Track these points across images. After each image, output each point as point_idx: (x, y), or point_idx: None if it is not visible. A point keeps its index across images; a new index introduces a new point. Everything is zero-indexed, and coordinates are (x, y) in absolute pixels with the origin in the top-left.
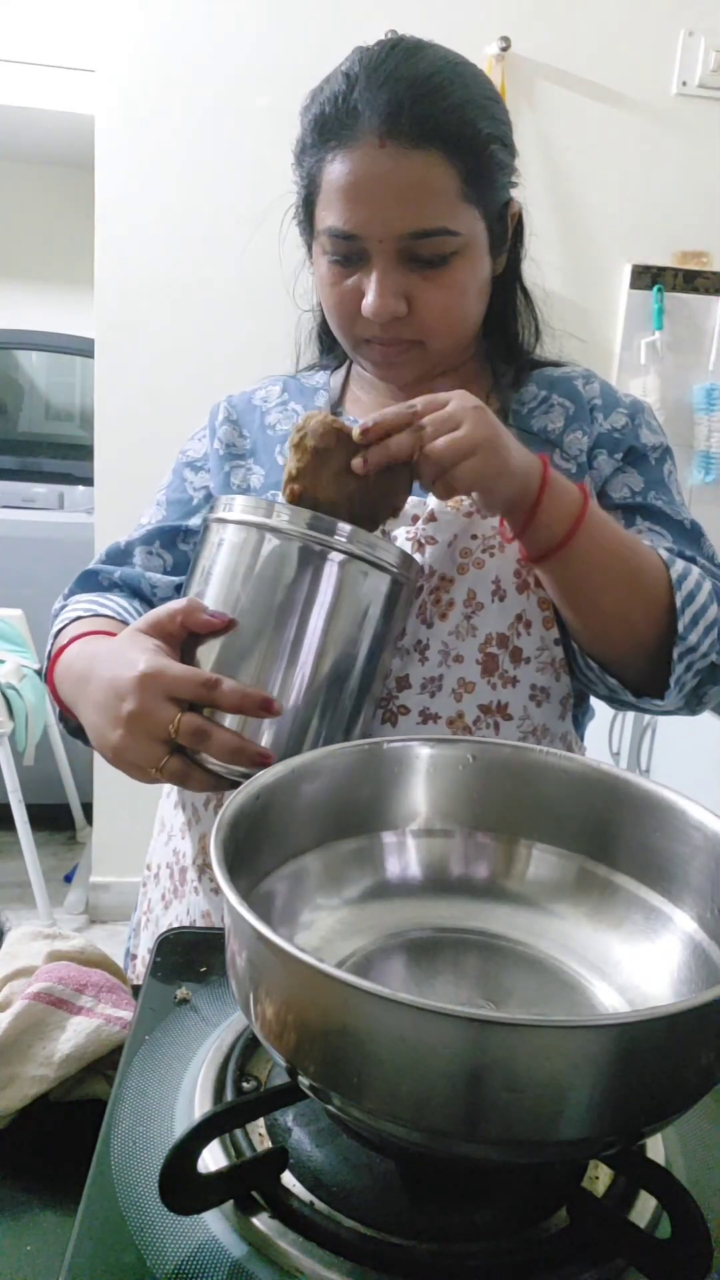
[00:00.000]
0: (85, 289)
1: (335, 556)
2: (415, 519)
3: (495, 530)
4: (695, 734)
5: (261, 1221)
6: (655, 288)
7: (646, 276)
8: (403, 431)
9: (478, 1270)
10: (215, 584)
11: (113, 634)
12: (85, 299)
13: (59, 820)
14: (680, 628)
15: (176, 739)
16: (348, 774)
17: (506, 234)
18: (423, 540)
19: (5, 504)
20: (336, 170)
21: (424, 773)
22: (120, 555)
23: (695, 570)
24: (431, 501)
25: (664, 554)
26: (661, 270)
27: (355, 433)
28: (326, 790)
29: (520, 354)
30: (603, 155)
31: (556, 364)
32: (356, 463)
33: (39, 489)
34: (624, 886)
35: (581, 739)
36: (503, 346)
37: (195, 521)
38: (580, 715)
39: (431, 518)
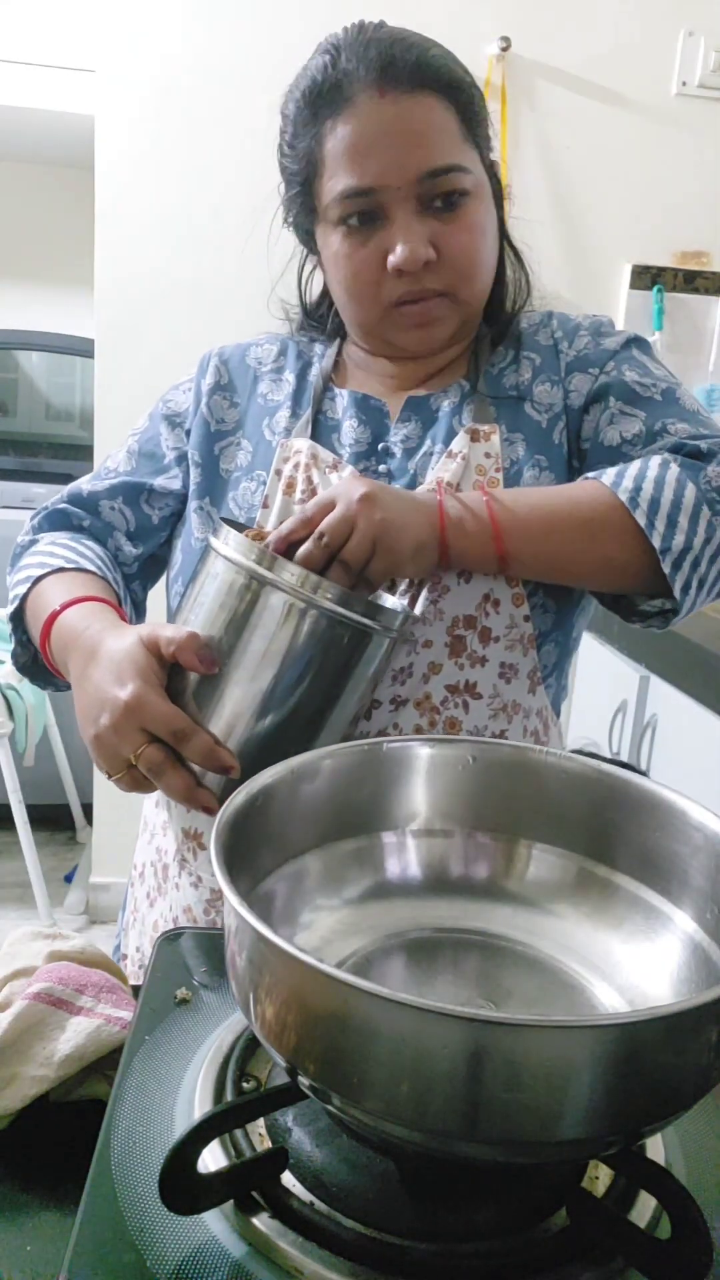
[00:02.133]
0: (85, 289)
1: (320, 615)
2: None
3: None
4: (695, 734)
5: (261, 1221)
6: (655, 288)
7: (646, 276)
8: (308, 541)
9: (478, 1270)
10: (203, 618)
11: (105, 600)
12: (85, 299)
13: (59, 820)
14: (657, 541)
15: (135, 764)
16: (348, 774)
17: (500, 188)
18: None
19: (5, 504)
20: (340, 134)
21: (424, 773)
22: (85, 502)
23: (651, 466)
24: None
25: (606, 478)
26: (661, 270)
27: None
28: (326, 790)
29: (503, 315)
30: (603, 155)
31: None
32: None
33: (39, 489)
34: (624, 886)
35: (558, 714)
36: (490, 314)
37: (162, 483)
38: (555, 690)
39: None
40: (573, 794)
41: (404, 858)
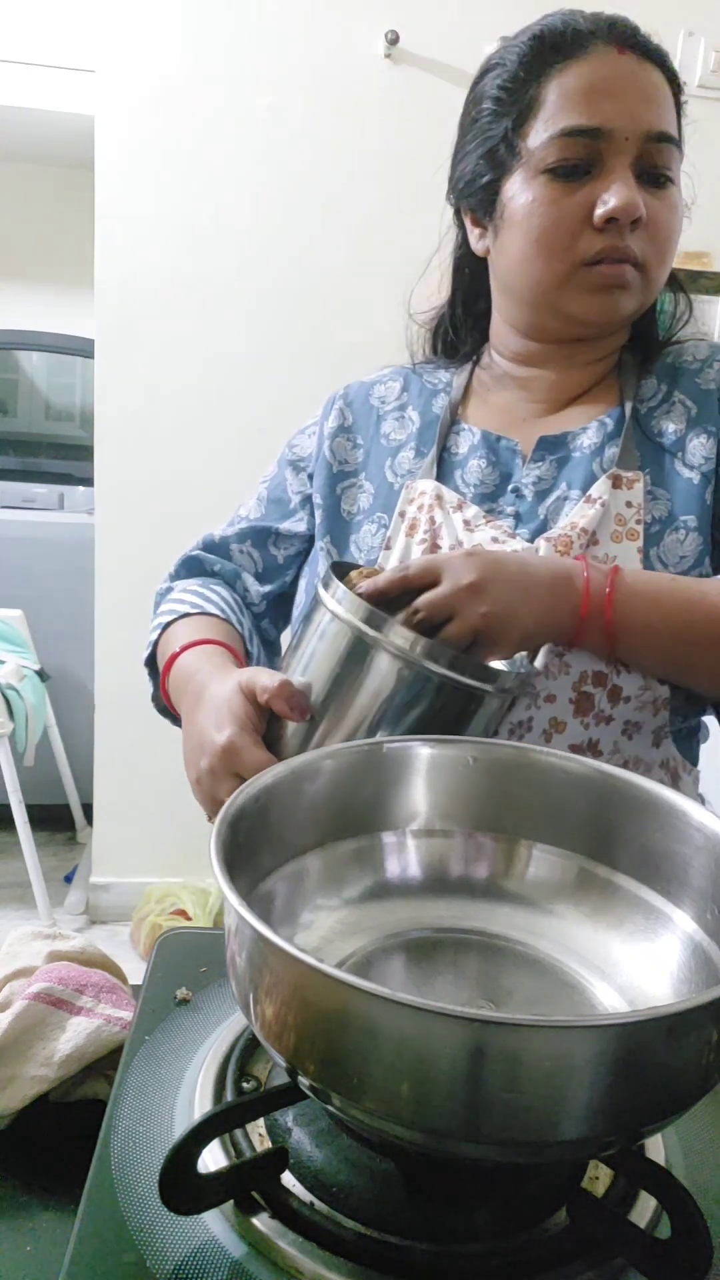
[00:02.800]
0: (85, 289)
1: (425, 677)
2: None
3: (596, 560)
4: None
5: (261, 1222)
6: None
7: None
8: (402, 613)
9: (478, 1270)
10: (309, 667)
11: (221, 643)
12: (85, 299)
13: (59, 820)
14: None
15: None
16: (348, 774)
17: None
18: None
19: (5, 504)
20: (573, 76)
21: (424, 773)
22: (217, 547)
23: None
24: (541, 549)
25: None
26: None
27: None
28: (327, 790)
29: (654, 340)
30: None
31: (678, 342)
32: None
33: (39, 489)
34: (624, 886)
35: (695, 761)
36: (639, 335)
37: (288, 526)
38: (687, 738)
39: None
40: (573, 794)
41: (404, 858)
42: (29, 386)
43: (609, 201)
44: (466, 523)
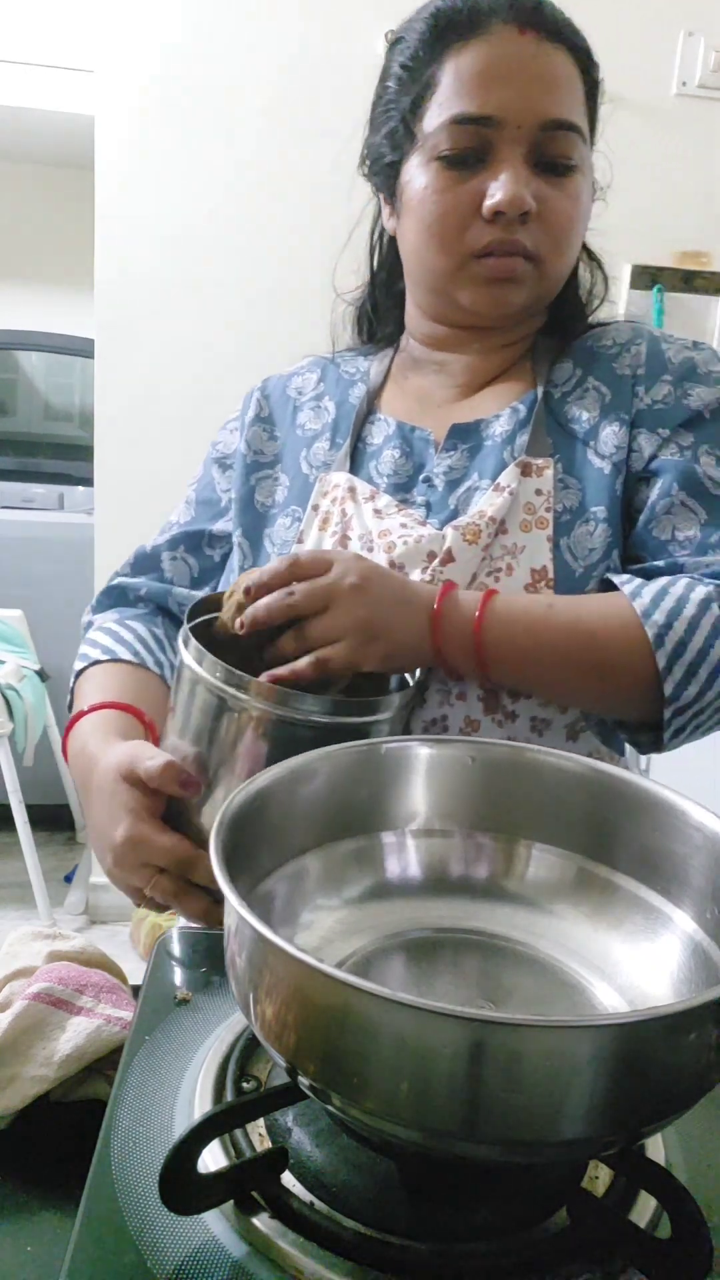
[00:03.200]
0: (85, 289)
1: (303, 727)
2: (431, 557)
3: (506, 550)
4: (689, 745)
5: (261, 1222)
6: (655, 288)
7: (646, 276)
8: (272, 595)
9: (478, 1270)
10: (187, 732)
11: (119, 705)
12: (85, 299)
13: (59, 820)
14: (669, 689)
15: (152, 896)
16: (346, 775)
17: (591, 190)
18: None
19: (5, 504)
20: (469, 58)
21: (423, 773)
22: (147, 561)
23: (690, 602)
24: (449, 537)
25: (640, 601)
26: (661, 270)
27: (239, 595)
28: (325, 791)
29: (571, 323)
30: (602, 155)
31: (600, 324)
32: (238, 620)
33: (39, 489)
34: (623, 886)
35: (623, 751)
36: (557, 316)
37: (220, 526)
38: (613, 729)
39: (450, 557)
40: (572, 794)
41: (404, 858)
42: (28, 386)
43: (495, 194)
44: (378, 512)
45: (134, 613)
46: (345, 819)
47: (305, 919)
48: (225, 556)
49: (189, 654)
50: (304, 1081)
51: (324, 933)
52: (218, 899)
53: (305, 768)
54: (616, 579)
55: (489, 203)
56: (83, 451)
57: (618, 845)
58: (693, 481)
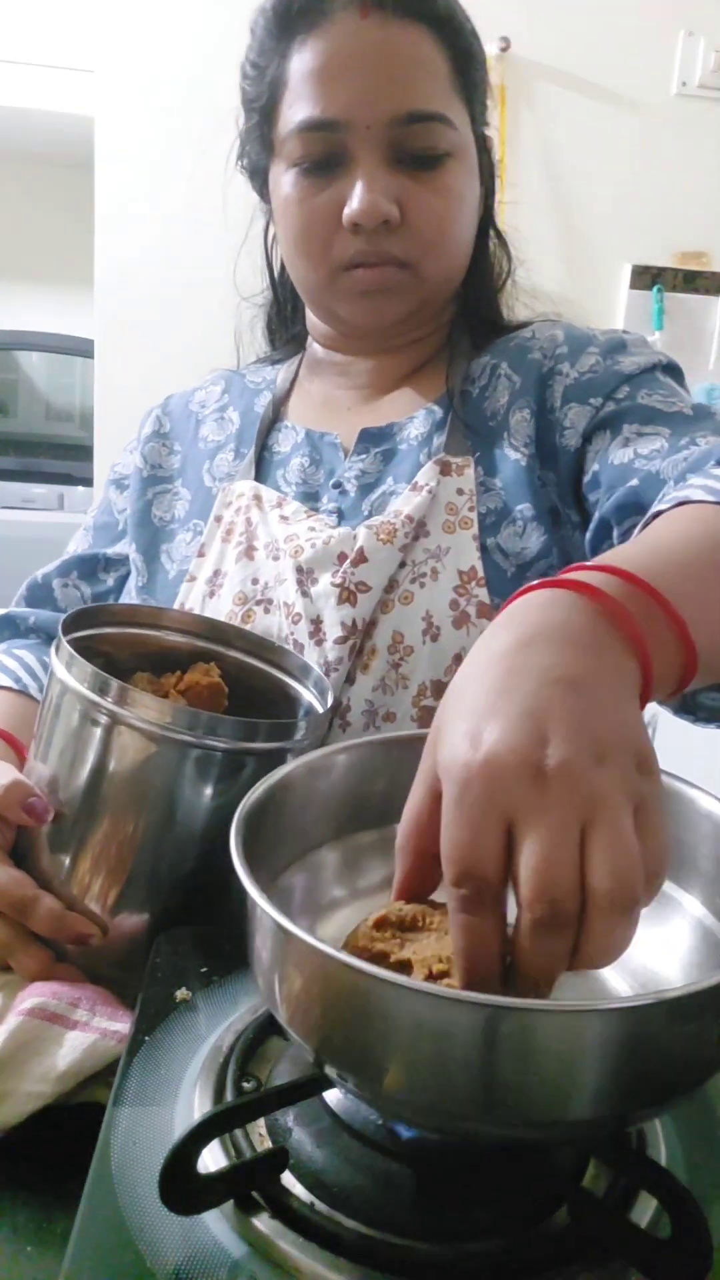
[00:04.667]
0: (85, 289)
1: (191, 750)
2: (341, 558)
3: (429, 554)
4: (695, 731)
5: (261, 1222)
6: (655, 288)
7: (646, 276)
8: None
9: (478, 1270)
10: (50, 754)
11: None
12: (85, 299)
13: None
14: None
15: None
16: (361, 768)
17: (491, 165)
18: (352, 588)
19: (5, 504)
20: (310, 54)
21: None
22: (39, 591)
23: (714, 465)
24: (361, 536)
25: (696, 493)
26: (661, 270)
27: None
28: (341, 784)
29: (487, 313)
30: (603, 155)
31: (525, 324)
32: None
33: (39, 489)
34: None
35: None
36: (470, 307)
37: (118, 549)
38: None
39: (362, 557)
40: None
41: None
42: (29, 386)
43: (351, 204)
44: (284, 518)
45: (24, 643)
46: (361, 811)
47: (325, 910)
48: (122, 579)
49: (58, 660)
50: (330, 1070)
51: (343, 923)
52: (60, 955)
53: (320, 762)
54: (658, 506)
55: (346, 213)
56: (83, 451)
57: None
58: (643, 413)
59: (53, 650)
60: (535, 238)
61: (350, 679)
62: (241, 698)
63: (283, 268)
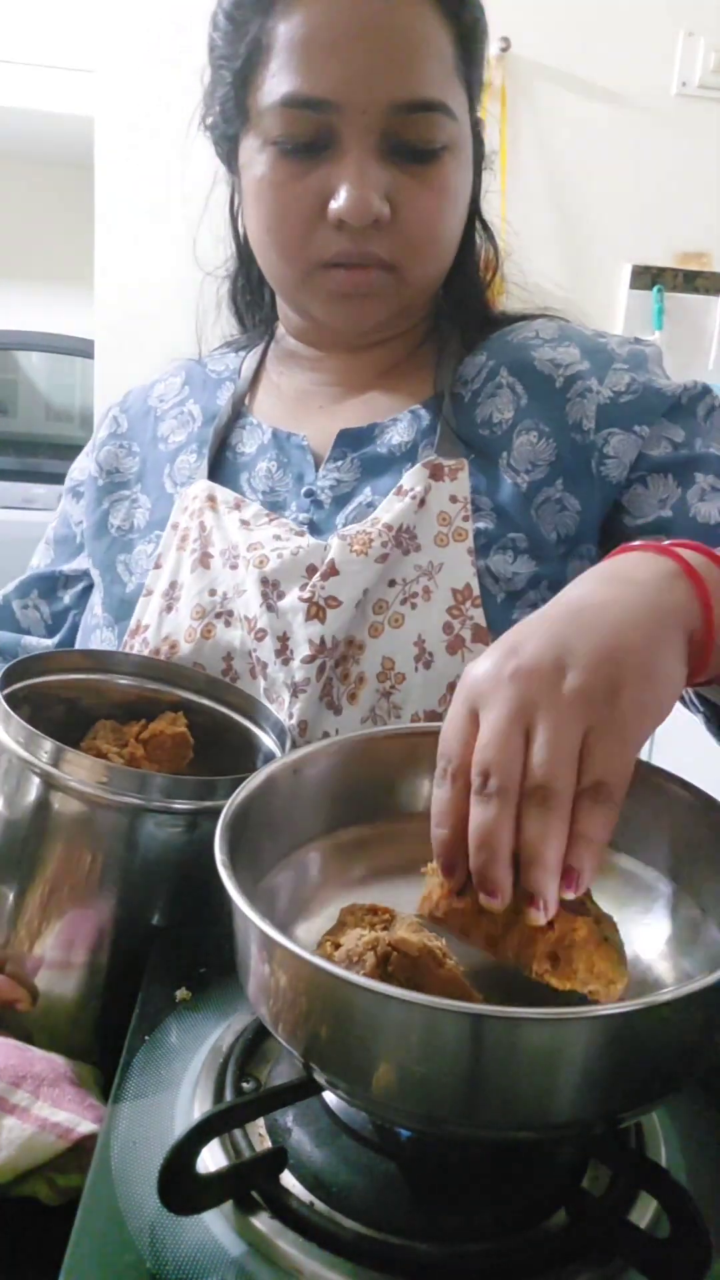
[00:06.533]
0: (85, 289)
1: (131, 813)
2: (310, 571)
3: (421, 571)
4: (696, 730)
5: (261, 1221)
6: (655, 288)
7: (646, 277)
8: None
9: (477, 1270)
10: None
11: None
12: (85, 299)
13: None
14: None
15: None
16: (346, 764)
17: (482, 154)
18: (321, 603)
19: (5, 504)
20: (300, 17)
21: (425, 759)
22: (1, 612)
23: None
24: (334, 547)
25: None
26: (661, 270)
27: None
28: (326, 781)
29: (476, 306)
30: (603, 155)
31: (523, 317)
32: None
33: (39, 489)
34: (620, 864)
35: None
36: (457, 299)
37: (75, 565)
38: None
39: (333, 570)
40: None
41: (406, 843)
42: (29, 386)
43: (338, 199)
44: (244, 523)
45: None
46: (347, 807)
47: (311, 909)
48: (80, 595)
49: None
50: (319, 1075)
51: (332, 920)
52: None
53: (306, 759)
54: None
55: (333, 207)
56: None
57: (621, 825)
58: (709, 463)
59: None
60: (535, 238)
61: (337, 709)
62: (204, 740)
63: (244, 239)
